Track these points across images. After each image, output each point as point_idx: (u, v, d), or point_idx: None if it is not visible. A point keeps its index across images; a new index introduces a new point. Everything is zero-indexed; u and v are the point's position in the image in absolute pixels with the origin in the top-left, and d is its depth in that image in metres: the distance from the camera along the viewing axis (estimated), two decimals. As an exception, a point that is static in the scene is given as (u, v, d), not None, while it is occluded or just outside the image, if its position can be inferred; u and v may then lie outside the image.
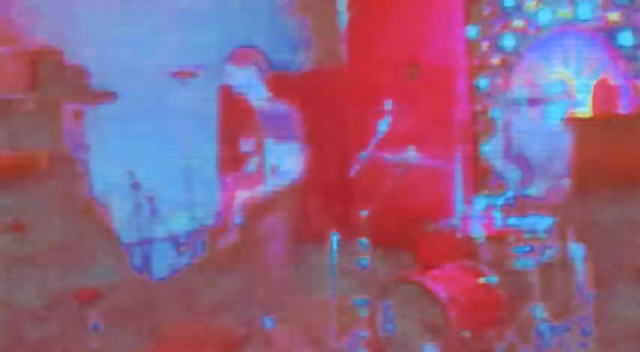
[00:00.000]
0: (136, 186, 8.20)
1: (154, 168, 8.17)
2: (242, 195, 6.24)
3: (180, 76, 8.40)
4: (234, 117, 6.59)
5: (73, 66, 7.94)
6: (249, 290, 6.46)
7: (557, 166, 6.52)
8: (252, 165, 6.30)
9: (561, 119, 6.72)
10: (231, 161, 6.54)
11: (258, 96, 6.36)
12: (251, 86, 6.35)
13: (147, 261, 8.37)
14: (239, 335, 6.55)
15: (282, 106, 6.30)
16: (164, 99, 8.28)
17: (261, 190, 6.20)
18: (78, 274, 7.28)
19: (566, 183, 6.44)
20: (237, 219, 6.25)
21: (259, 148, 6.26)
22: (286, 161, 6.20)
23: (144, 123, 8.23)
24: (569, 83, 7.04)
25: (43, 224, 7.40)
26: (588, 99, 7.68)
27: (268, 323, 6.39)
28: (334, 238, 6.36)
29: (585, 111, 7.61)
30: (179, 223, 8.43)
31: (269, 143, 6.22)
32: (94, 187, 8.23)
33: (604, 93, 7.65)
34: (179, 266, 8.34)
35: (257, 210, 6.23)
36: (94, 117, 8.21)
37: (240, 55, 6.38)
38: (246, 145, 6.38)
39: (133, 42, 8.12)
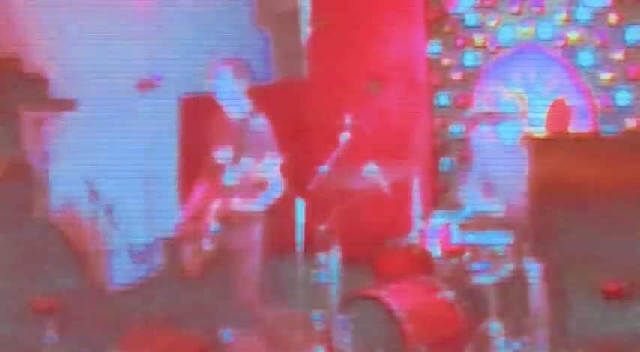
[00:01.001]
0: (94, 195, 8.13)
1: (114, 178, 8.12)
2: (217, 206, 6.25)
3: (144, 86, 8.35)
4: (211, 127, 6.60)
5: (33, 73, 7.90)
6: (211, 301, 6.45)
7: (515, 183, 6.55)
8: (229, 178, 6.32)
9: (516, 137, 6.77)
10: (205, 171, 6.56)
11: (240, 107, 6.39)
12: (233, 96, 6.39)
13: (105, 271, 8.31)
14: (198, 346, 6.53)
15: (260, 120, 6.35)
16: (125, 109, 8.24)
17: (242, 204, 6.22)
18: (35, 284, 7.23)
19: (524, 200, 6.47)
20: (212, 228, 6.26)
21: (236, 159, 6.29)
22: (271, 178, 6.24)
23: (104, 131, 8.19)
24: (523, 103, 7.10)
25: (0, 232, 7.35)
26: (545, 118, 7.74)
27: (227, 336, 6.38)
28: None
29: (542, 130, 7.67)
30: (137, 234, 8.38)
31: (250, 158, 6.25)
32: (54, 196, 8.18)
33: (558, 113, 7.71)
34: (137, 276, 8.29)
35: (231, 222, 6.25)
36: (55, 125, 8.16)
37: (225, 64, 6.43)
38: (222, 155, 6.40)
39: (95, 50, 8.07)
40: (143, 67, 8.23)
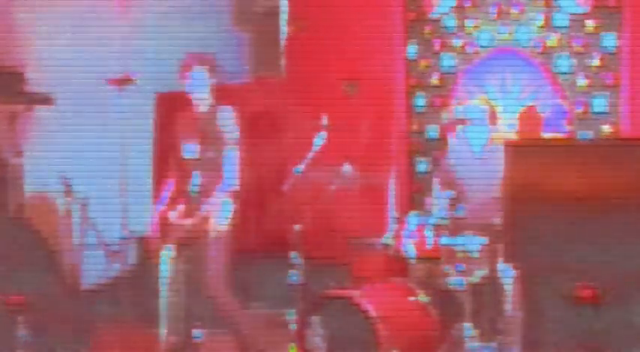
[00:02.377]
0: (68, 192, 8.10)
1: (89, 175, 8.09)
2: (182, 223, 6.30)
3: (118, 82, 8.32)
4: (179, 122, 6.62)
5: (8, 69, 7.86)
6: (182, 301, 6.44)
7: (490, 187, 6.56)
8: (194, 186, 6.35)
9: (484, 143, 6.81)
10: (172, 167, 6.58)
11: (208, 100, 6.44)
12: (204, 90, 6.44)
13: (77, 268, 8.28)
14: (168, 345, 6.51)
15: (227, 111, 6.39)
16: (101, 105, 8.21)
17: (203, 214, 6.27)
18: (6, 281, 7.19)
19: (499, 204, 6.48)
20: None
21: (203, 153, 6.32)
22: (227, 169, 6.26)
23: (79, 128, 8.15)
24: (494, 108, 7.11)
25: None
26: (518, 122, 7.77)
27: (198, 335, 6.37)
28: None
29: (515, 134, 7.70)
30: (111, 231, 8.35)
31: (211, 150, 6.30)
32: (27, 192, 8.14)
33: (530, 120, 7.74)
34: (110, 274, 8.26)
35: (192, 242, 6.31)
36: (29, 121, 8.12)
37: (194, 58, 6.48)
38: (188, 150, 6.42)
39: (71, 46, 8.04)
40: (119, 64, 8.21)
